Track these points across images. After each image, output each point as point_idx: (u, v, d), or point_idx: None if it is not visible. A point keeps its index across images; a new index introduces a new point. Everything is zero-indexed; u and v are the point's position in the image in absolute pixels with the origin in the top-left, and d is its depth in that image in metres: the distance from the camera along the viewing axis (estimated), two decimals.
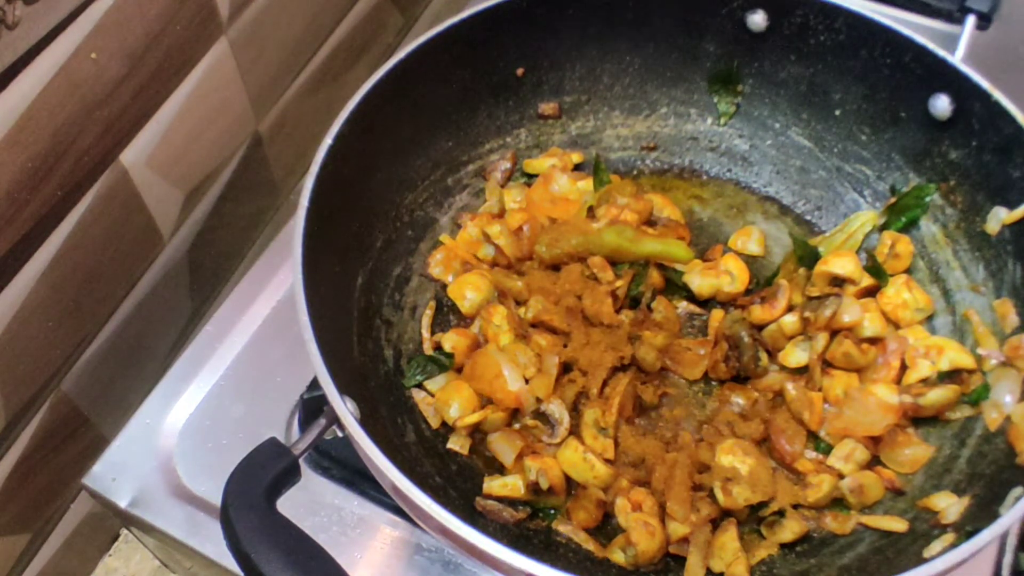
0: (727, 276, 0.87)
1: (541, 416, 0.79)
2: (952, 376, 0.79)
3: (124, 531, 0.98)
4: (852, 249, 0.89)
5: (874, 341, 0.82)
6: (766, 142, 0.97)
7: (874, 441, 0.78)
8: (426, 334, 0.86)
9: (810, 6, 0.88)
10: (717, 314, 0.88)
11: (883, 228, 0.90)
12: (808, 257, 0.89)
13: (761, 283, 0.90)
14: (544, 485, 0.75)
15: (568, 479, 0.77)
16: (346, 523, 0.80)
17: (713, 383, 0.85)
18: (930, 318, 0.85)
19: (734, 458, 0.75)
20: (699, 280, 0.88)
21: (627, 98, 0.98)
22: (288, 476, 0.63)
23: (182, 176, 0.93)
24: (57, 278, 0.80)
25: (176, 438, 0.85)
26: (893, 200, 0.89)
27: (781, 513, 0.76)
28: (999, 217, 0.81)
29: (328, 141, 0.76)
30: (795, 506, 0.76)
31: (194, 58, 0.88)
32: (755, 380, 0.83)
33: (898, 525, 0.73)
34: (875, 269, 0.86)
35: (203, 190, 0.98)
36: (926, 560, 0.61)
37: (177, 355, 0.91)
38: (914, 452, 0.77)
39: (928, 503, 0.73)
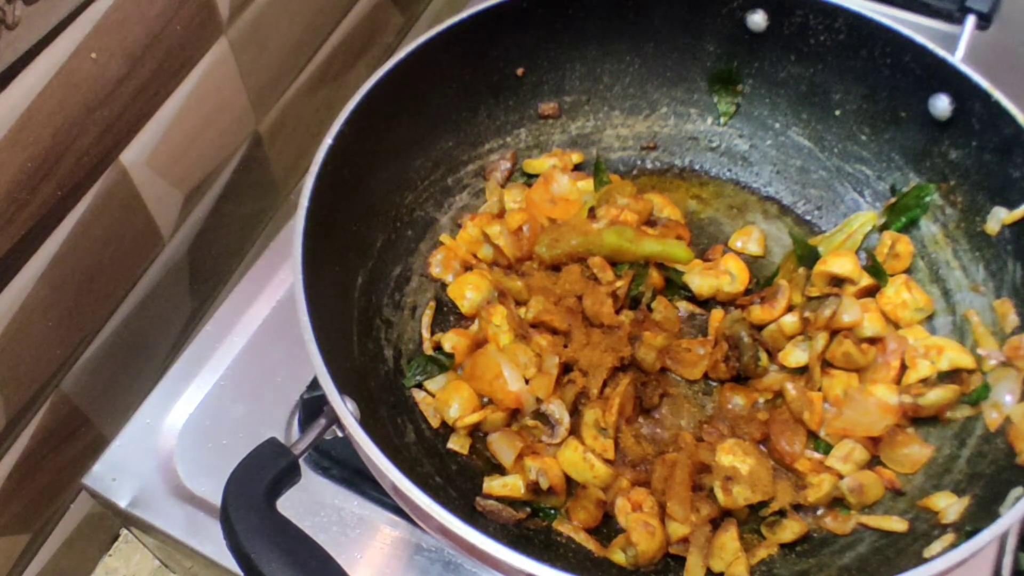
0: (727, 276, 0.87)
1: (541, 416, 0.79)
2: (952, 376, 0.79)
3: (124, 531, 0.98)
4: (852, 249, 0.89)
5: (874, 341, 0.82)
6: (766, 142, 0.97)
7: (874, 441, 0.78)
8: (426, 334, 0.86)
9: (810, 6, 0.88)
10: (717, 314, 0.88)
11: (883, 228, 0.90)
12: (808, 257, 0.89)
13: (761, 283, 0.90)
14: (544, 485, 0.75)
15: (568, 479, 0.77)
16: (346, 523, 0.80)
17: (713, 383, 0.85)
18: (930, 318, 0.85)
19: (734, 458, 0.75)
20: (699, 280, 0.88)
21: (627, 98, 0.98)
22: (288, 476, 0.63)
23: (182, 176, 0.93)
24: (57, 278, 0.80)
25: (176, 438, 0.85)
26: (893, 200, 0.89)
27: (781, 513, 0.76)
28: (999, 217, 0.81)
29: (328, 141, 0.76)
30: (795, 506, 0.76)
31: (194, 58, 0.88)
32: (755, 380, 0.83)
33: (898, 525, 0.73)
34: (875, 269, 0.86)
35: (203, 190, 0.97)
36: (926, 560, 0.61)
37: (177, 355, 0.91)
38: (914, 452, 0.77)
39: (928, 503, 0.73)
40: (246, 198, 1.05)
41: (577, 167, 0.97)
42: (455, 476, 0.78)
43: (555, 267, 0.88)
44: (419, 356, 0.85)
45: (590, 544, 0.75)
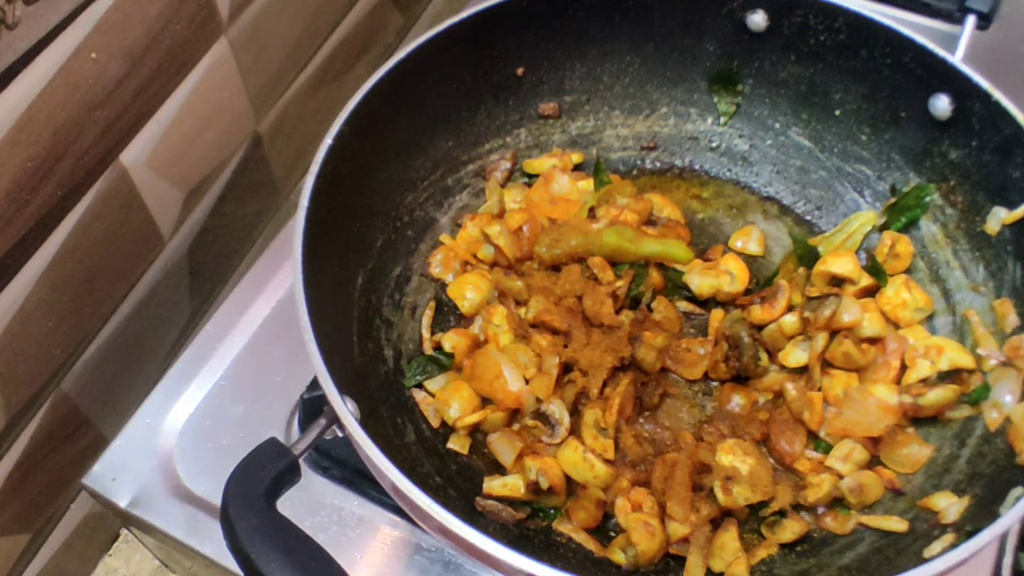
0: (727, 276, 0.87)
1: (541, 416, 0.79)
2: (952, 376, 0.79)
3: (124, 531, 0.98)
4: (852, 249, 0.89)
5: (874, 341, 0.82)
6: (766, 142, 0.97)
7: (874, 441, 0.78)
8: (426, 334, 0.86)
9: (810, 6, 0.88)
10: (717, 314, 0.88)
11: (883, 228, 0.90)
12: (808, 257, 0.89)
13: (761, 283, 0.90)
14: (544, 485, 0.75)
15: (568, 479, 0.77)
16: (346, 523, 0.80)
17: (713, 383, 0.85)
18: (930, 318, 0.85)
19: (734, 458, 0.75)
20: (699, 280, 0.88)
21: (627, 98, 0.98)
22: (288, 476, 0.63)
23: (182, 176, 0.93)
24: (57, 278, 0.80)
25: (176, 438, 0.85)
26: (893, 200, 0.89)
27: (781, 513, 0.76)
28: (999, 217, 0.81)
29: (328, 141, 0.77)
30: (795, 506, 0.76)
31: (194, 58, 0.88)
32: (755, 380, 0.83)
33: (898, 525, 0.73)
34: (875, 269, 0.86)
35: (203, 190, 0.98)
36: (926, 560, 0.61)
37: (177, 355, 0.91)
38: (914, 452, 0.77)
39: (928, 503, 0.73)
40: (246, 198, 1.05)
41: (577, 167, 0.97)
42: (455, 476, 0.78)
43: (555, 267, 0.87)
44: (419, 356, 0.85)
45: (590, 544, 0.75)
